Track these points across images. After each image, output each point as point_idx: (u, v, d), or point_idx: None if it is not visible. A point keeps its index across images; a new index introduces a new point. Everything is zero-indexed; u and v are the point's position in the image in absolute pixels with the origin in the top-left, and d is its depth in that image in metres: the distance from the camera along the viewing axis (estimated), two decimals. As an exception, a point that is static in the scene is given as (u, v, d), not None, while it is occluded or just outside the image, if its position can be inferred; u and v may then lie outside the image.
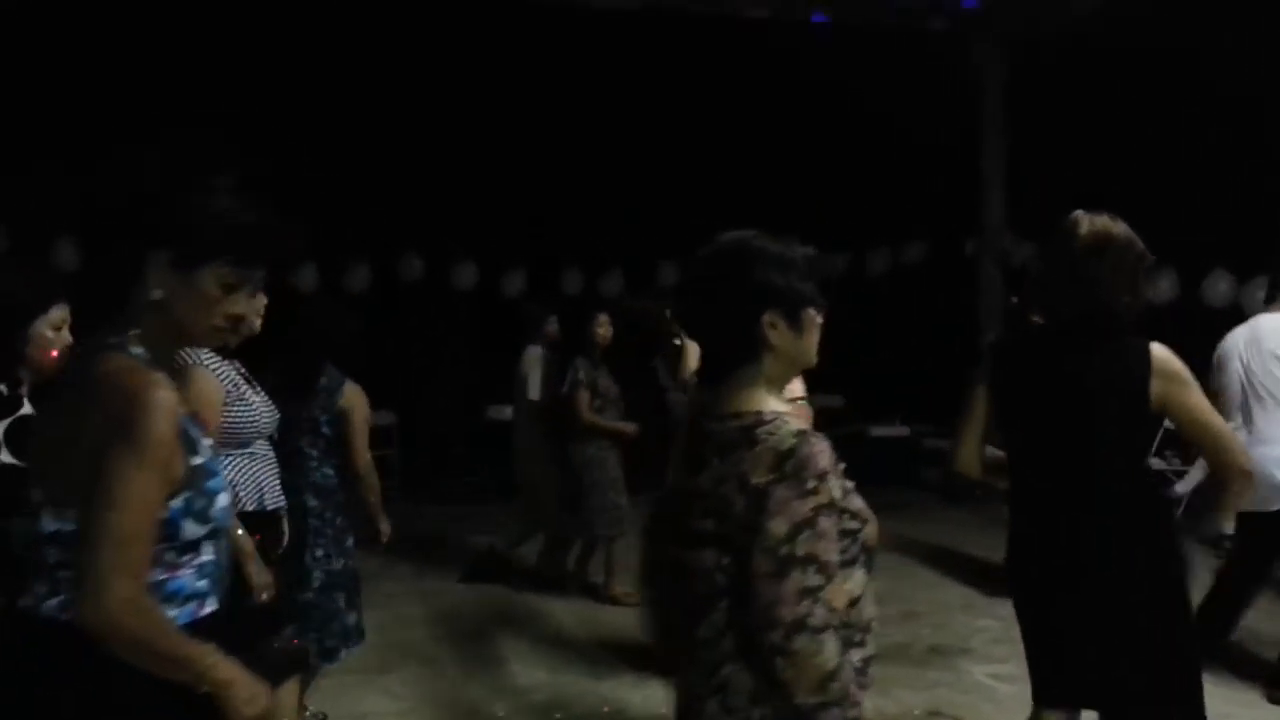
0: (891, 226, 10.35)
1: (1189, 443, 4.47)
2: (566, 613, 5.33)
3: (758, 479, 1.51)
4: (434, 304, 9.22)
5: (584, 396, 5.38)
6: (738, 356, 1.64)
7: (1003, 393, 2.59)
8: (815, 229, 11.23)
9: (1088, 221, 2.45)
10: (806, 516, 1.48)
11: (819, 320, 1.68)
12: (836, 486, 1.54)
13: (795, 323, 1.64)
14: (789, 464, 1.51)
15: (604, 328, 5.49)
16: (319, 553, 3.54)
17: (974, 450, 2.67)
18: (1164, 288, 8.13)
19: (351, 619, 3.66)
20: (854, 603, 1.58)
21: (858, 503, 1.60)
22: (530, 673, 4.44)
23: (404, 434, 8.57)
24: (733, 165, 9.54)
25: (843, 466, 1.58)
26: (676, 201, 9.01)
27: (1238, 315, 5.55)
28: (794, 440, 1.53)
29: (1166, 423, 7.45)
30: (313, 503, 3.50)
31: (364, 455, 3.66)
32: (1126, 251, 2.43)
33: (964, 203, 9.48)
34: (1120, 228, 2.45)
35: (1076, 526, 2.46)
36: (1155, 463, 7.46)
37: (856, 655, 1.59)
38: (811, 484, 1.50)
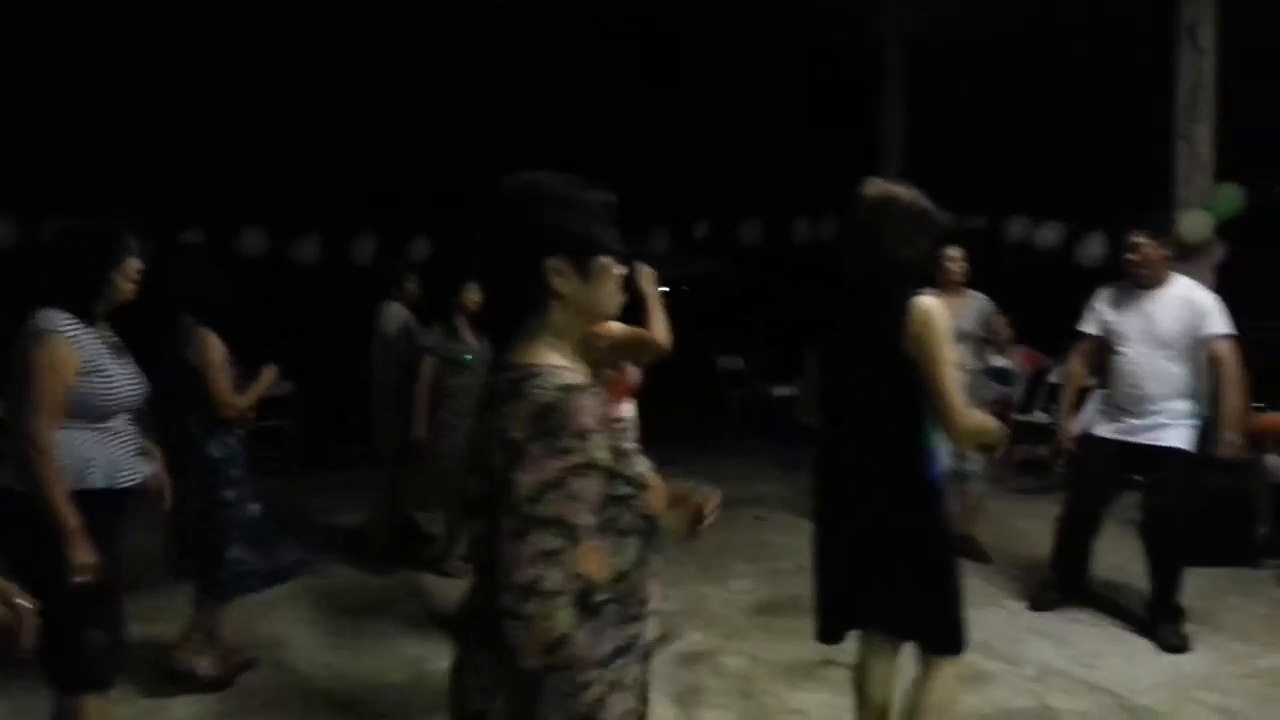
0: (807, 196, 10.49)
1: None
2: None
3: (515, 433, 1.41)
4: (331, 273, 9.00)
5: (429, 363, 5.26)
6: (523, 304, 1.54)
7: (815, 347, 2.84)
8: (728, 198, 11.38)
9: (873, 186, 2.64)
10: (556, 476, 1.39)
11: (617, 270, 1.57)
12: (603, 448, 1.43)
13: (585, 270, 1.52)
14: (548, 419, 1.40)
15: (473, 294, 5.34)
16: (195, 500, 3.63)
17: (809, 400, 2.91)
18: (1050, 237, 8.48)
19: (249, 564, 3.77)
20: (623, 576, 1.48)
21: (638, 468, 1.51)
22: (427, 643, 4.38)
23: (301, 405, 8.36)
24: (641, 134, 9.53)
25: (623, 427, 1.52)
26: (598, 167, 8.92)
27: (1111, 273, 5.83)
28: (557, 395, 1.42)
29: (1052, 377, 7.77)
30: (186, 451, 3.54)
31: (226, 398, 3.69)
32: (906, 211, 2.59)
33: (866, 172, 9.65)
34: (903, 191, 2.63)
35: (850, 472, 2.67)
36: (1040, 416, 7.78)
37: (628, 631, 1.50)
38: (568, 442, 1.40)
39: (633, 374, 3.50)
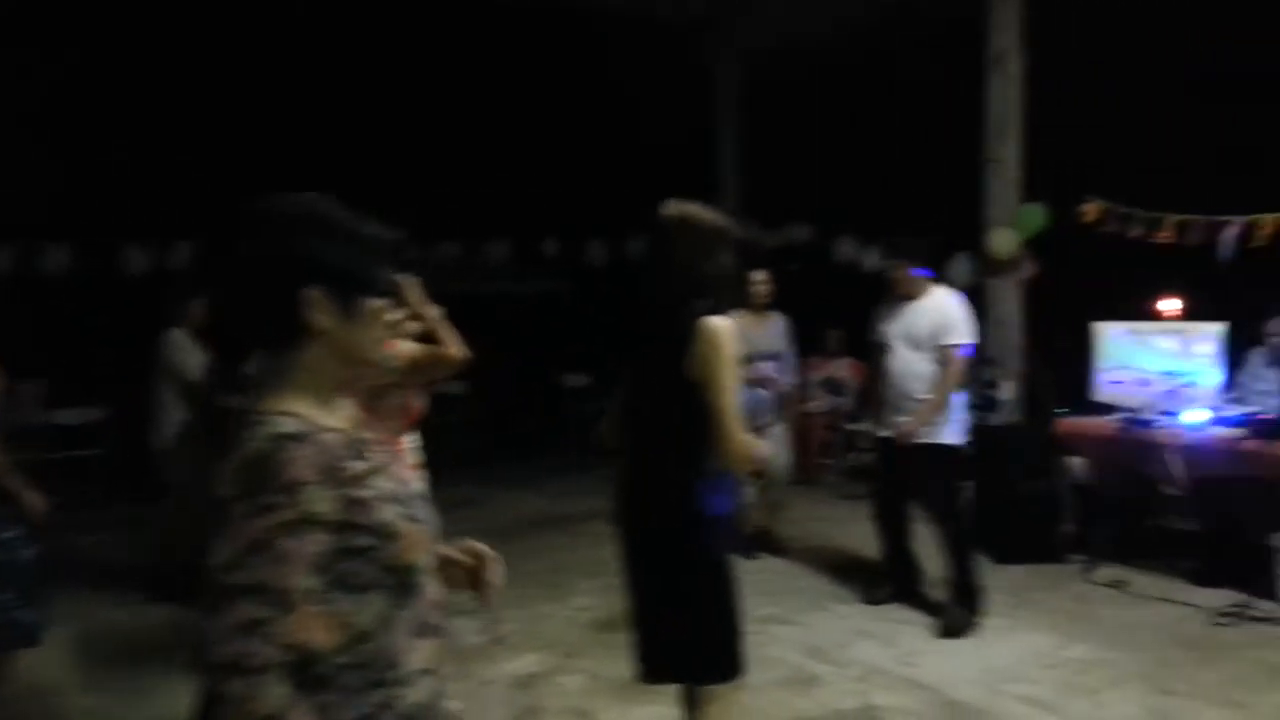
0: (647, 215, 10.59)
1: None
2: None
3: (225, 491, 1.27)
4: (153, 291, 8.50)
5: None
6: (272, 339, 1.39)
7: (621, 368, 2.83)
8: (572, 217, 11.47)
9: (673, 207, 2.68)
10: (259, 537, 1.23)
11: (390, 315, 1.44)
12: (324, 499, 1.28)
13: (348, 308, 1.38)
14: (255, 473, 1.26)
15: None
16: None
17: (612, 422, 2.89)
18: (876, 258, 8.85)
19: (24, 616, 3.47)
20: (364, 637, 1.34)
21: (385, 516, 1.35)
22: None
23: (116, 432, 7.84)
24: (488, 150, 9.47)
25: (371, 468, 1.36)
26: (444, 179, 8.85)
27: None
28: (267, 445, 1.28)
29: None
30: None
31: None
32: (704, 230, 2.64)
33: (705, 190, 9.91)
34: (700, 211, 2.67)
35: (637, 494, 2.68)
36: (868, 425, 8.09)
37: (375, 698, 1.35)
38: (275, 498, 1.25)
39: (416, 402, 3.40)
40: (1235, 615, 4.64)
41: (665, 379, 2.54)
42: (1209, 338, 5.14)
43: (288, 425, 1.32)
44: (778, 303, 6.22)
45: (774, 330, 5.96)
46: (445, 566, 1.57)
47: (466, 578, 1.63)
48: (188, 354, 5.24)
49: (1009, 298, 7.23)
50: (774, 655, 4.33)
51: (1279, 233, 6.01)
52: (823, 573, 5.57)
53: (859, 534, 6.08)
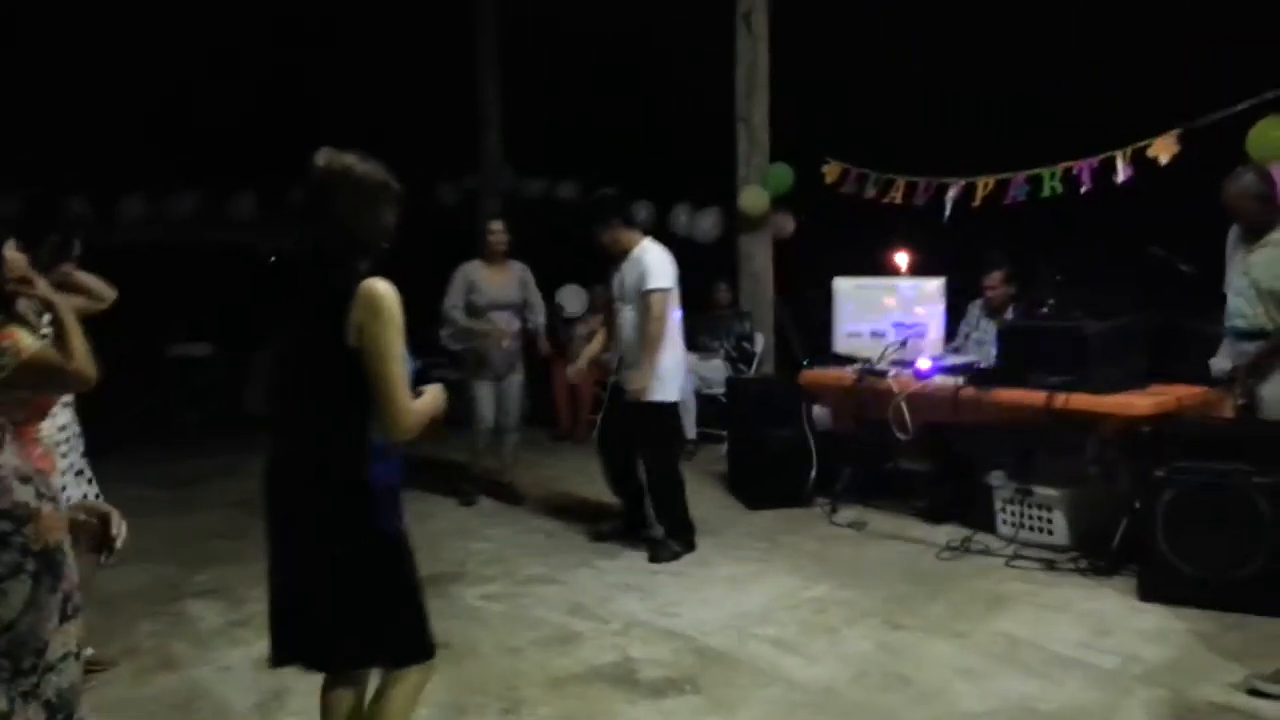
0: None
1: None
2: None
3: None
4: None
5: None
6: None
7: (265, 326, 2.56)
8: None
9: (326, 156, 2.41)
10: None
11: None
12: None
13: None
14: None
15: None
16: None
17: (256, 390, 2.61)
18: (644, 217, 8.97)
19: None
20: (8, 626, 1.26)
21: (19, 496, 1.29)
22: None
23: None
24: (229, 94, 8.78)
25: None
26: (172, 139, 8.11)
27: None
28: None
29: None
30: None
31: None
32: (363, 184, 2.40)
33: (468, 140, 9.70)
34: (359, 161, 2.42)
35: (294, 468, 2.44)
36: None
37: (21, 686, 1.28)
38: None
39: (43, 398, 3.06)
40: (959, 549, 5.05)
41: (321, 345, 2.31)
42: (933, 291, 5.52)
43: None
44: (540, 257, 6.20)
45: (513, 280, 5.99)
46: (73, 528, 1.49)
47: (93, 538, 1.58)
48: None
49: (761, 253, 7.52)
50: (537, 615, 4.34)
51: (994, 193, 6.55)
52: (588, 530, 5.63)
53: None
